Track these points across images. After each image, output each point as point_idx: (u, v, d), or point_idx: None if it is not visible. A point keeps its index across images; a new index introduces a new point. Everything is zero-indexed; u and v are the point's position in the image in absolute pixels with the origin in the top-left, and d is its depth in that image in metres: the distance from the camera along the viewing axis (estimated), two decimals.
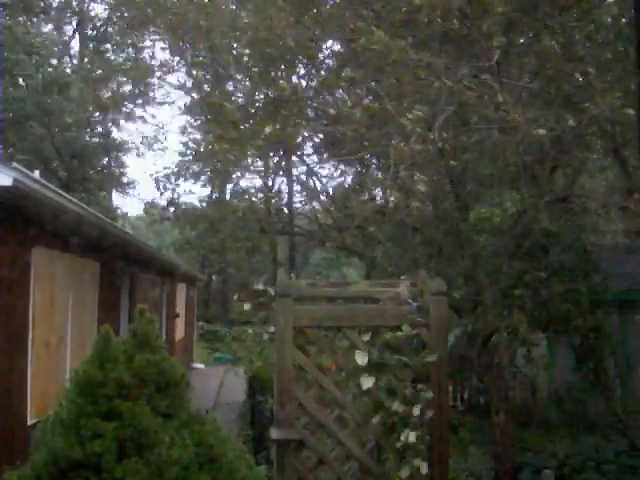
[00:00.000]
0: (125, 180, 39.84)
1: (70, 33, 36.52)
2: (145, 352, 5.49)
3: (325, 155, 16.28)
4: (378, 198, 15.60)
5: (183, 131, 27.27)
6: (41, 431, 5.54)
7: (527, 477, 12.60)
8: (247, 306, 7.83)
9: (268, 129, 12.50)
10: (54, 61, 29.99)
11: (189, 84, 23.30)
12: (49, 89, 27.50)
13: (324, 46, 13.80)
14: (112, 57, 33.00)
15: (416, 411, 6.95)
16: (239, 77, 19.54)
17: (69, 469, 5.09)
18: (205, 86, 22.48)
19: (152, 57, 28.76)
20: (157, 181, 19.71)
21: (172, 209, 18.78)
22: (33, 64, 28.14)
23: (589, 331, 15.88)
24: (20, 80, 27.17)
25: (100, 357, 5.41)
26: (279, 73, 14.61)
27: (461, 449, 13.46)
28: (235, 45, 16.68)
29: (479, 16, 9.79)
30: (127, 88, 32.93)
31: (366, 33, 9.80)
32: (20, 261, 10.69)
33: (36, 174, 13.13)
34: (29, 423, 11.02)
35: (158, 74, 26.27)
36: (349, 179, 17.74)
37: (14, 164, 8.94)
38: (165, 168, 39.34)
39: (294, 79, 15.62)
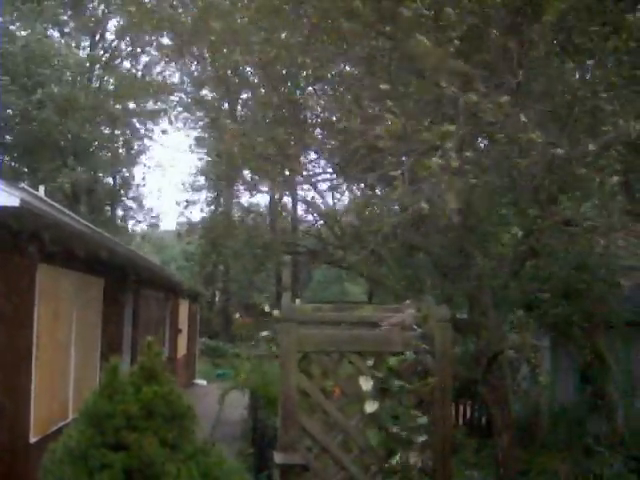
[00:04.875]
0: (132, 195, 39.89)
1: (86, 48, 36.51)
2: (152, 384, 5.51)
3: (333, 174, 16.26)
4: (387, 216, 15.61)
5: (190, 149, 27.22)
6: (49, 460, 5.55)
7: None
8: (265, 333, 7.90)
9: (260, 139, 12.55)
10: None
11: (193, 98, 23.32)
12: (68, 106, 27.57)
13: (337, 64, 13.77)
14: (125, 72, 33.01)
15: (417, 436, 6.95)
16: (245, 95, 19.64)
17: None
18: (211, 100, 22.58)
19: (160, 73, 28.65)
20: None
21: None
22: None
23: (593, 355, 15.89)
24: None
25: (109, 389, 5.44)
26: (284, 89, 14.62)
27: (463, 470, 13.41)
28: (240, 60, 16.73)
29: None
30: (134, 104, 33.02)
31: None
32: (25, 278, 10.71)
33: (41, 191, 13.17)
34: (31, 441, 11.01)
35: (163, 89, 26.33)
36: (354, 196, 17.75)
37: (21, 184, 8.96)
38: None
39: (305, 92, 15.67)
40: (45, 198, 9.83)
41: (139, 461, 5.16)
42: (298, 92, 15.29)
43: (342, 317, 7.98)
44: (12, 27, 29.57)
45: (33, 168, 28.52)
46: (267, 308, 7.93)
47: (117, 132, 33.92)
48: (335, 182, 16.53)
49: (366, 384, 7.09)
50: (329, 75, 13.74)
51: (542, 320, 16.27)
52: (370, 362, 7.30)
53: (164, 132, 30.02)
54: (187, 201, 38.46)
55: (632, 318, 15.37)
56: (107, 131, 33.01)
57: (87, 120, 29.07)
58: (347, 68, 14.03)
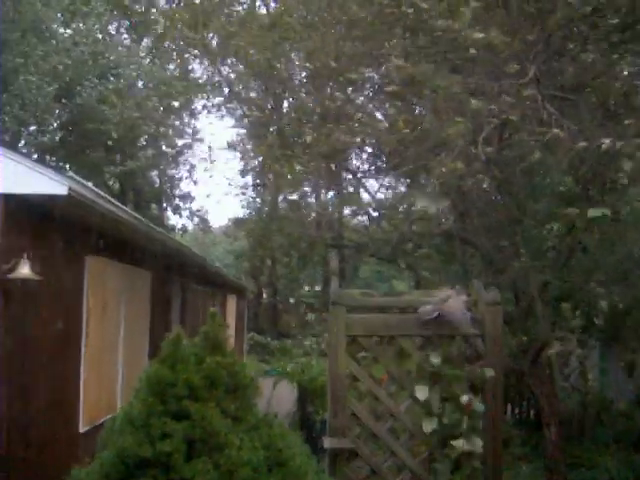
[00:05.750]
0: (178, 194, 40.04)
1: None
2: (216, 355, 5.53)
3: (372, 168, 16.25)
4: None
5: (231, 146, 27.08)
6: (108, 429, 5.59)
7: None
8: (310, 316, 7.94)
9: (309, 138, 12.56)
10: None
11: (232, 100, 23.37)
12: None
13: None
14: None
15: (470, 421, 6.91)
16: (286, 94, 19.67)
17: (137, 467, 5.13)
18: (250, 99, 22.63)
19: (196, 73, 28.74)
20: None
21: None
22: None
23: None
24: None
25: (171, 358, 5.46)
26: (327, 89, 14.64)
27: (512, 463, 13.33)
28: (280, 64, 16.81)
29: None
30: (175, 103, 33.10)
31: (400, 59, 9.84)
32: (74, 269, 10.80)
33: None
34: (81, 431, 11.11)
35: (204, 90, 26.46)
36: (399, 190, 17.72)
37: (70, 173, 9.00)
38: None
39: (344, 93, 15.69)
40: (93, 188, 9.87)
41: (201, 431, 5.17)
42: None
43: (391, 302, 7.98)
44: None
45: (80, 165, 28.63)
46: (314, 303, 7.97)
47: (162, 129, 33.98)
48: (381, 177, 16.52)
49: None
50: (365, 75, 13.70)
51: (589, 314, 16.14)
52: (419, 345, 7.29)
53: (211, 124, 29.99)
54: (242, 191, 38.06)
55: None
56: (152, 130, 33.07)
57: (134, 117, 29.16)
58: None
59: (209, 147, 44.65)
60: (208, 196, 40.66)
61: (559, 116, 8.90)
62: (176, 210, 40.21)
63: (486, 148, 8.87)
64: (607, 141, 8.65)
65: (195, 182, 42.18)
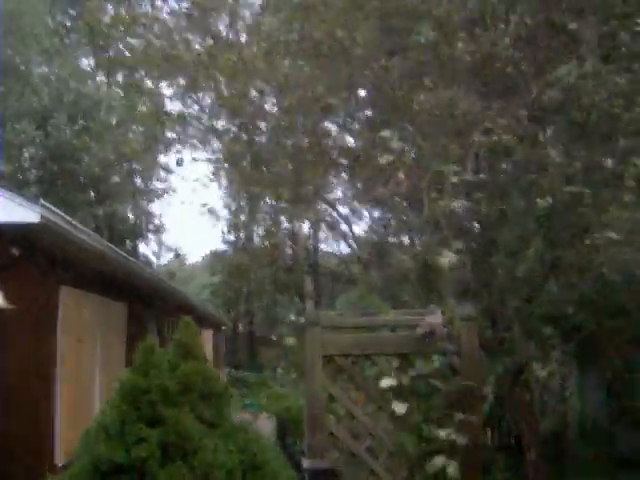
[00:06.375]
0: (152, 227, 39.99)
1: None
2: (189, 361, 5.52)
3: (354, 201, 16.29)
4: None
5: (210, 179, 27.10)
6: (83, 440, 5.54)
7: None
8: (290, 340, 7.95)
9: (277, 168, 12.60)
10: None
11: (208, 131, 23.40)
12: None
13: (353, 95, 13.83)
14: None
15: (450, 436, 6.87)
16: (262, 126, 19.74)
17: (112, 474, 5.10)
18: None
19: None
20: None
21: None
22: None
23: (623, 370, 15.73)
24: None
25: (144, 365, 5.43)
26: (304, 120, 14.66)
27: None
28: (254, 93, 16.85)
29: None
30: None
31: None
32: (47, 300, 10.69)
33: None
34: (58, 464, 10.97)
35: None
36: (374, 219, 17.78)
37: (41, 201, 8.94)
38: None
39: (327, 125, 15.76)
40: (66, 216, 9.79)
41: (176, 435, 5.14)
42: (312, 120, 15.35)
43: (366, 322, 7.96)
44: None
45: (55, 203, 28.54)
46: (293, 317, 7.96)
47: (135, 167, 34.04)
48: (354, 205, 16.56)
49: (389, 382, 7.05)
50: (340, 101, 13.73)
51: (568, 335, 16.17)
52: (396, 364, 7.26)
53: (179, 163, 29.57)
54: (227, 229, 38.31)
55: None
56: (126, 166, 33.07)
57: (107, 156, 29.19)
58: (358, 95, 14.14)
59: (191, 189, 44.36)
60: (177, 232, 40.66)
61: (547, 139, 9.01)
62: (150, 246, 40.20)
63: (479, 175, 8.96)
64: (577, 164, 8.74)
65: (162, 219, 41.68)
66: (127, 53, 24.02)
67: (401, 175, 9.27)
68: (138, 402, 5.26)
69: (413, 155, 9.81)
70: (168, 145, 30.96)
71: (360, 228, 18.16)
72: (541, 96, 9.88)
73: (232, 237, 41.98)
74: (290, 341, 7.89)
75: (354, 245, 16.30)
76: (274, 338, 18.68)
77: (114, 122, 31.65)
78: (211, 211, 33.79)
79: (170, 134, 28.46)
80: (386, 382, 7.01)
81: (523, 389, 13.00)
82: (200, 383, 5.45)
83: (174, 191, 40.21)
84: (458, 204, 8.92)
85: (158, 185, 39.02)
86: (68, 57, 29.63)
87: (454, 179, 8.91)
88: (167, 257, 43.66)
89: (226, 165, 23.47)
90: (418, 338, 7.24)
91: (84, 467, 5.20)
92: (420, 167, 9.43)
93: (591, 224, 12.04)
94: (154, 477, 5.01)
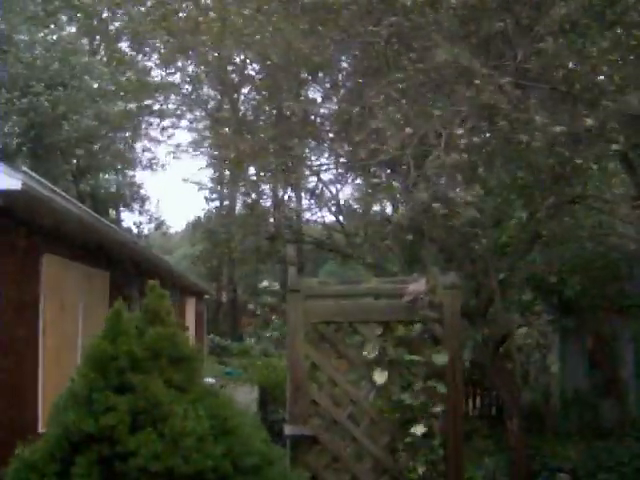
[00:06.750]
0: (135, 197, 39.83)
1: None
2: (157, 326, 5.47)
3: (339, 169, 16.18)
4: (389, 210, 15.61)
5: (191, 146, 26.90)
6: (54, 408, 5.52)
7: None
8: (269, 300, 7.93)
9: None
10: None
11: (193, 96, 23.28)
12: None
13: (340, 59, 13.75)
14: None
15: (429, 406, 6.91)
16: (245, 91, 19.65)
17: (82, 443, 5.06)
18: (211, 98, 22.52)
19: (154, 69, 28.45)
20: None
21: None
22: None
23: (605, 337, 15.83)
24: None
25: (112, 332, 5.39)
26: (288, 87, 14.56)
27: (476, 457, 13.33)
28: (241, 57, 16.75)
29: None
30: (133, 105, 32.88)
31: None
32: (30, 268, 10.65)
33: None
34: (40, 431, 10.96)
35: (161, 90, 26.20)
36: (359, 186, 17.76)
37: (23, 168, 8.87)
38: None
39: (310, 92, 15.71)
40: (48, 184, 9.73)
41: (145, 402, 5.10)
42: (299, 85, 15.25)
43: (349, 290, 7.96)
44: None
45: (40, 173, 28.37)
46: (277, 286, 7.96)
47: (119, 134, 33.79)
48: (339, 172, 16.47)
49: (372, 352, 7.06)
50: (328, 64, 13.64)
51: (550, 302, 16.24)
52: (378, 331, 7.26)
53: (164, 129, 29.35)
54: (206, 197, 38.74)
55: None
56: (110, 134, 32.84)
57: (89, 124, 29.01)
58: (345, 58, 14.05)
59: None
60: (158, 201, 40.61)
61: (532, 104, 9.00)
62: (134, 212, 40.13)
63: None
64: (558, 128, 8.74)
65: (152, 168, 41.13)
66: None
67: (409, 130, 9.21)
68: (106, 370, 5.22)
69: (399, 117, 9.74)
70: (151, 114, 30.90)
71: (344, 195, 18.17)
72: (526, 62, 9.86)
73: (213, 205, 42.08)
74: (269, 300, 7.84)
75: (338, 214, 16.25)
76: (252, 307, 18.50)
77: (97, 89, 31.42)
78: (194, 181, 33.69)
79: (153, 103, 28.42)
80: (371, 353, 7.03)
81: (505, 359, 13.05)
82: (169, 348, 5.40)
83: (162, 166, 39.74)
84: (451, 160, 8.87)
85: (143, 155, 38.85)
86: (51, 24, 29.37)
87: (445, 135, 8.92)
88: (150, 227, 43.46)
89: (209, 133, 23.51)
90: (402, 306, 7.25)
91: (55, 436, 5.18)
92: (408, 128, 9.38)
93: (575, 195, 12.11)
94: (124, 445, 4.98)
